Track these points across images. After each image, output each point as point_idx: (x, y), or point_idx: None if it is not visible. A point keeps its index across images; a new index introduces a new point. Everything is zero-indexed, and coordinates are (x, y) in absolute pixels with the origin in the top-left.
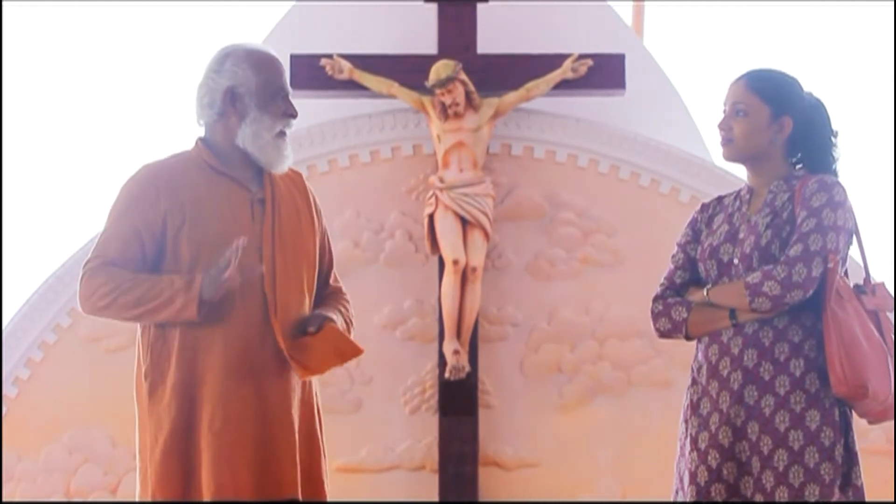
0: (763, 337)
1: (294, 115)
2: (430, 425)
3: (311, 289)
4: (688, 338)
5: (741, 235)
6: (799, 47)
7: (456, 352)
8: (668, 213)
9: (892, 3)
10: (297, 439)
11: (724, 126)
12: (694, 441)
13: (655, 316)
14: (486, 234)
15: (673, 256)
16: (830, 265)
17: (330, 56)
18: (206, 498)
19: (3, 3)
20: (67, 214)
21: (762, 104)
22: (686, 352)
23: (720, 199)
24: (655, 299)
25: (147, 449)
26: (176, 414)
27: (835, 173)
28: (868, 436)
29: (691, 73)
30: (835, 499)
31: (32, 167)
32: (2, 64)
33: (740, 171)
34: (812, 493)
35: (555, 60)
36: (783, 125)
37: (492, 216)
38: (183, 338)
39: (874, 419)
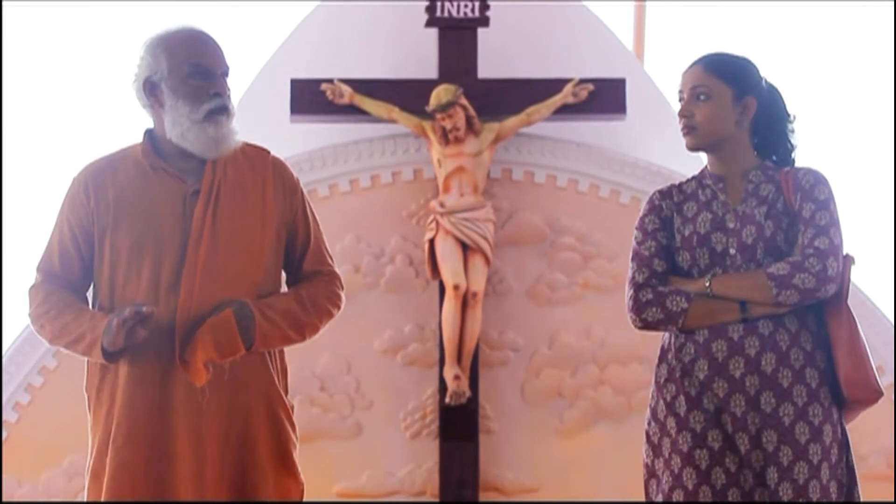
0: (780, 340)
1: (217, 93)
2: (430, 450)
3: (253, 278)
4: (681, 331)
5: (731, 225)
6: (800, 74)
7: (457, 377)
8: None
9: (893, 3)
10: (217, 450)
11: (686, 112)
12: (701, 436)
13: (643, 305)
14: (487, 259)
15: (641, 244)
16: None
17: (330, 81)
18: None
19: (3, 3)
20: None
21: (724, 85)
22: None
23: (678, 186)
24: (640, 287)
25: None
26: (102, 431)
27: (793, 161)
28: (868, 461)
29: None
30: None
31: (33, 167)
32: (2, 64)
33: None
34: None
35: (555, 85)
36: (747, 105)
37: (492, 241)
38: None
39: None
